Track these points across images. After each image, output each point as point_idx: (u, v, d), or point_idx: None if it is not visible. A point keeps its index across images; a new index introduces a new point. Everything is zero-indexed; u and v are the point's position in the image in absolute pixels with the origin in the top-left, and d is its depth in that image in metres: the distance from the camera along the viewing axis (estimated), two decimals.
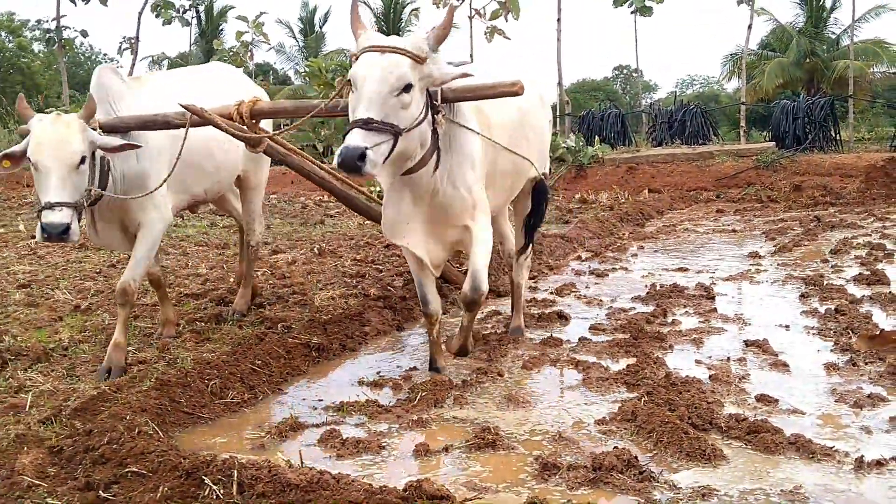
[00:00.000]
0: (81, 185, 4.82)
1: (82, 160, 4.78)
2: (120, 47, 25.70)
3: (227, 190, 6.67)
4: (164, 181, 5.26)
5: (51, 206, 4.67)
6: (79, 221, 4.82)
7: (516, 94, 4.61)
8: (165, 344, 5.64)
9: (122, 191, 5.26)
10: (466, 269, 5.16)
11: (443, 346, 5.45)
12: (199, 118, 5.15)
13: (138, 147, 5.06)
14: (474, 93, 4.66)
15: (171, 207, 5.65)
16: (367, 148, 3.92)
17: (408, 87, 4.13)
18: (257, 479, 3.27)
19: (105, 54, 48.38)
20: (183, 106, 5.10)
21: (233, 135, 5.31)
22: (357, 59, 4.18)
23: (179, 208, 6.02)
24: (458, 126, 4.73)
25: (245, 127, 5.38)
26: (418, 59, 4.17)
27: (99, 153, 5.00)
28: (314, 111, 5.14)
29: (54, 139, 4.72)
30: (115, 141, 4.97)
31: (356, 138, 3.94)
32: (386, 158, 4.08)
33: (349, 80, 4.24)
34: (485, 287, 4.96)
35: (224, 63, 7.73)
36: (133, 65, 24.89)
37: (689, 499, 3.41)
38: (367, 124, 3.98)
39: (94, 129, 4.96)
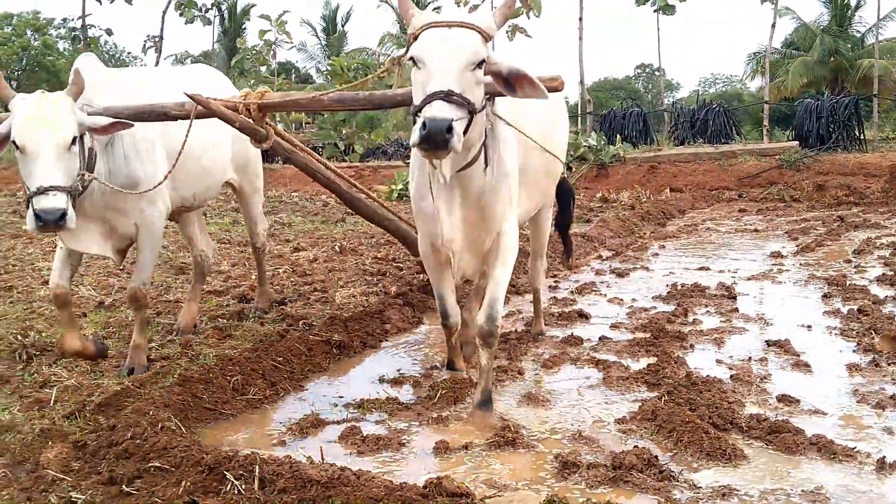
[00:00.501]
0: (74, 168, 4.43)
1: (73, 141, 4.40)
2: (144, 46, 25.93)
3: (211, 198, 6.36)
4: (168, 175, 4.98)
5: (43, 191, 4.23)
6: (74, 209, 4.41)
7: (556, 89, 4.29)
8: (188, 341, 5.67)
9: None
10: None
11: (461, 350, 5.31)
12: (205, 108, 4.78)
13: (130, 126, 4.69)
14: None
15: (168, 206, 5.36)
16: (453, 120, 3.45)
17: (481, 64, 3.70)
18: (278, 475, 3.30)
19: (129, 53, 48.69)
20: (188, 95, 4.72)
21: (239, 128, 5.00)
22: (416, 37, 3.72)
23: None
24: (499, 119, 4.27)
25: (251, 120, 5.04)
26: (486, 37, 3.74)
27: (87, 142, 4.63)
28: (329, 103, 4.93)
29: (42, 118, 4.33)
30: (105, 120, 4.60)
31: (441, 109, 3.46)
32: (460, 140, 3.55)
33: (398, 61, 4.12)
34: (500, 319, 4.46)
35: (210, 66, 7.58)
36: (157, 63, 25.10)
37: (709, 498, 3.41)
38: (448, 96, 3.50)
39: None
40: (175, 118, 4.93)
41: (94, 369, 5.13)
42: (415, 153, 4.19)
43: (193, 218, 6.42)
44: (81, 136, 4.51)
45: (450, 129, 3.41)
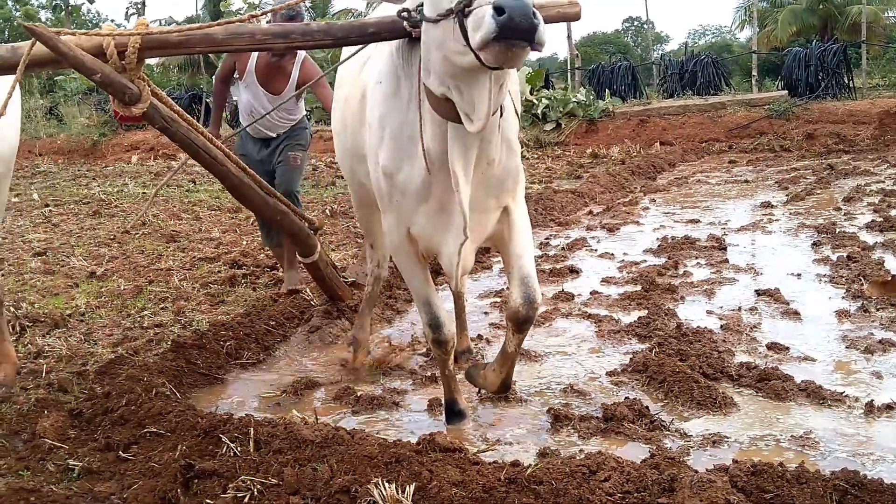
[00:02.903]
0: None
1: None
2: (127, 12, 25.68)
3: None
4: None
5: None
6: None
7: (576, 17, 3.62)
8: (181, 308, 5.69)
9: None
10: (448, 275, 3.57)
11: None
12: (53, 51, 3.14)
13: None
14: None
15: None
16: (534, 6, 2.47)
17: None
18: (273, 437, 3.33)
19: (113, 20, 48.19)
20: (26, 27, 3.12)
21: (101, 82, 3.26)
22: None
23: None
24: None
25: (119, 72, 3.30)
26: None
27: None
28: (262, 38, 3.33)
29: None
30: None
31: None
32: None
33: None
34: (540, 297, 3.52)
35: None
36: None
37: (700, 446, 3.45)
38: None
39: None
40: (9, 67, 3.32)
41: (87, 338, 5.15)
42: (390, 98, 3.25)
43: None
44: None
45: (535, 14, 2.45)
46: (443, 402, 3.91)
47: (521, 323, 3.48)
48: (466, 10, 2.56)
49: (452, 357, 3.80)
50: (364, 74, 3.66)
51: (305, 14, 5.93)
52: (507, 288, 3.63)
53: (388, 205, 3.43)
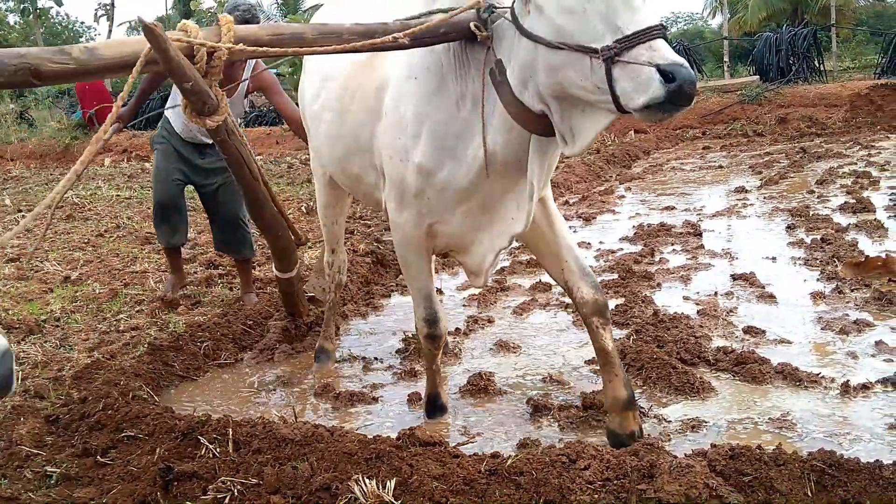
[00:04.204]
0: None
1: None
2: (96, 14, 25.43)
3: None
4: None
5: None
6: None
7: None
8: (154, 309, 5.64)
9: None
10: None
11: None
12: (162, 55, 2.67)
13: None
14: None
15: None
16: None
17: None
18: (253, 436, 3.31)
19: (82, 22, 47.79)
20: (145, 26, 2.62)
21: (191, 90, 2.90)
22: None
23: None
24: None
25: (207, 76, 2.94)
26: None
27: None
28: (348, 38, 2.98)
29: None
30: None
31: (673, 52, 2.49)
32: None
33: None
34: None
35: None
36: (110, 31, 24.64)
37: (679, 432, 3.47)
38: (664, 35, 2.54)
39: None
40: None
41: (63, 343, 5.10)
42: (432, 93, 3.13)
43: None
44: None
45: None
46: (424, 395, 3.91)
47: (603, 310, 3.38)
48: (616, 58, 2.45)
49: (441, 352, 3.79)
50: (382, 65, 3.42)
51: (261, 15, 5.53)
52: (567, 286, 3.45)
53: (411, 200, 3.31)
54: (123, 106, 2.90)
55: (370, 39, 2.96)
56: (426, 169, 3.18)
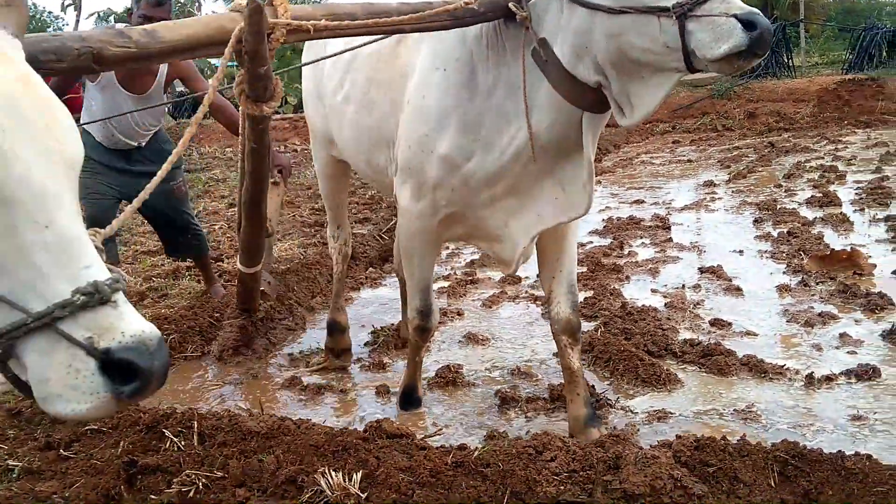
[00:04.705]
0: None
1: None
2: (63, 4, 25.13)
3: None
4: None
5: None
6: None
7: None
8: None
9: None
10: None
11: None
12: (255, 37, 2.49)
13: None
14: None
15: None
16: None
17: None
18: (218, 429, 3.28)
19: (50, 12, 47.18)
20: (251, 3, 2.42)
21: (265, 74, 2.63)
22: None
23: None
24: None
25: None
26: None
27: None
28: (396, 19, 2.80)
29: None
30: None
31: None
32: None
33: None
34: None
35: None
36: (77, 22, 24.34)
37: (645, 422, 3.50)
38: None
39: None
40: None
41: None
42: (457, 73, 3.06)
43: None
44: None
45: None
46: (400, 387, 3.89)
47: (575, 331, 3.42)
48: (690, 13, 2.40)
49: (427, 345, 3.74)
50: (408, 54, 3.32)
51: None
52: (549, 295, 3.46)
53: (429, 191, 3.23)
54: None
55: (418, 21, 2.83)
56: (452, 160, 3.11)
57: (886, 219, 6.83)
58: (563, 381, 3.79)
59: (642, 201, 8.86)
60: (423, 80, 3.18)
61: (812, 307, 4.81)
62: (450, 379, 4.08)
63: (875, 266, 5.47)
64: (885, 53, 21.06)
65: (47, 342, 1.42)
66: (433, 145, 3.14)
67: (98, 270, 1.44)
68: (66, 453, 3.33)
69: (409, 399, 3.85)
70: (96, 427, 3.45)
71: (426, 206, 3.28)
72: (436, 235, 3.42)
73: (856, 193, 8.04)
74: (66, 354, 1.41)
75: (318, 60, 3.68)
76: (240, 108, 2.96)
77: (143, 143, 5.11)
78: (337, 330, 4.58)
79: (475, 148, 3.08)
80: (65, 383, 1.42)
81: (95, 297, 1.41)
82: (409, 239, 3.49)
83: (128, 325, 1.45)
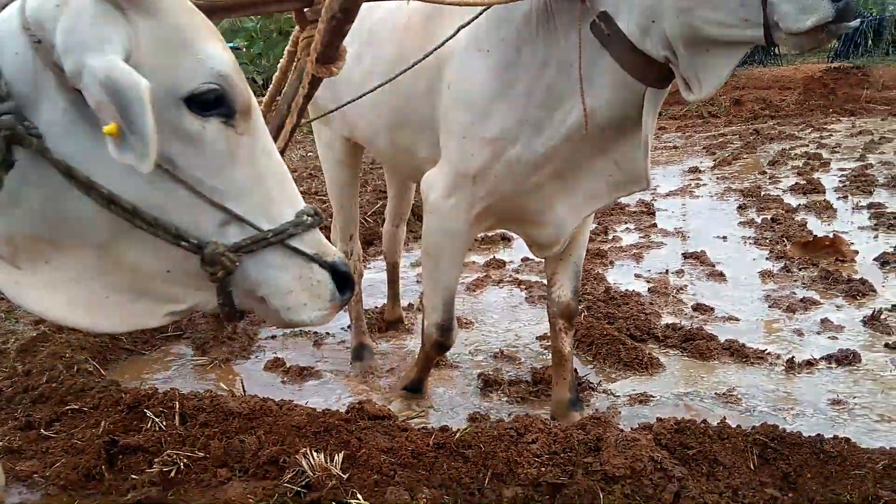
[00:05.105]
0: None
1: None
2: None
3: None
4: None
5: None
6: None
7: None
8: None
9: None
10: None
11: None
12: None
13: None
14: None
15: None
16: None
17: None
18: (199, 410, 3.28)
19: None
20: None
21: (344, 33, 2.56)
22: None
23: None
24: None
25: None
26: None
27: None
28: None
29: None
30: None
31: None
32: None
33: None
34: None
35: None
36: None
37: (627, 405, 3.51)
38: None
39: None
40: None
41: (8, 316, 5.01)
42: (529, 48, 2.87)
43: None
44: None
45: None
46: (411, 376, 3.73)
47: (572, 317, 3.39)
48: None
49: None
50: (440, 34, 3.00)
51: None
52: (552, 277, 3.40)
53: (467, 182, 3.05)
54: None
55: None
56: (500, 144, 2.95)
57: (869, 206, 6.87)
58: (545, 365, 3.83)
59: None
60: (464, 64, 3.00)
61: (794, 293, 4.83)
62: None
63: (857, 253, 5.50)
64: (870, 42, 21.14)
65: (281, 258, 1.59)
66: (479, 132, 2.98)
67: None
68: (46, 433, 3.31)
69: (417, 388, 3.71)
70: (77, 407, 3.44)
71: (461, 200, 3.10)
72: (468, 235, 3.24)
73: (839, 181, 8.08)
74: (304, 268, 1.61)
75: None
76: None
77: None
78: (366, 353, 4.29)
79: (525, 129, 2.92)
80: (310, 293, 1.62)
81: (317, 219, 1.63)
82: (436, 236, 3.25)
83: (329, 245, 1.66)
